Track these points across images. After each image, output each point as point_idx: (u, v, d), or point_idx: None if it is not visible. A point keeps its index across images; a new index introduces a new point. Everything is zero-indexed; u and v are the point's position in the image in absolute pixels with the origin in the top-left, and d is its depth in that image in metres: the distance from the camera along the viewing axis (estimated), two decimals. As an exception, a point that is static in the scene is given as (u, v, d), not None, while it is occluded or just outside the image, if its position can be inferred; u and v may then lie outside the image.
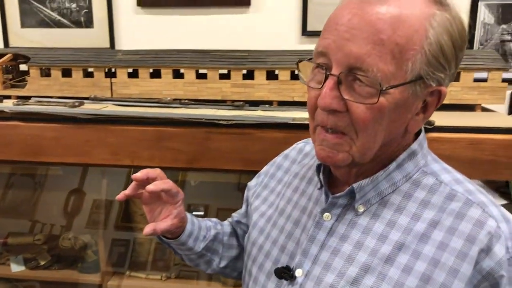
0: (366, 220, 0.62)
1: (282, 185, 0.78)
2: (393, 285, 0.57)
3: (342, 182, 0.67)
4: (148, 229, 0.72)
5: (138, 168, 1.16)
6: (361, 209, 0.63)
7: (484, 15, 1.48)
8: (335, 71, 0.57)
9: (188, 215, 0.81)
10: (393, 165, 0.63)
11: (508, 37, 1.49)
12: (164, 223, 0.73)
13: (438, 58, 0.57)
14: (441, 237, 0.57)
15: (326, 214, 0.65)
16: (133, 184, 0.73)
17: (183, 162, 1.10)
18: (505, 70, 1.16)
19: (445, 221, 0.58)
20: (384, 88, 0.55)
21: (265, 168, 0.85)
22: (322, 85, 0.57)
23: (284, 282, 0.66)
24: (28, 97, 1.30)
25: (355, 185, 0.63)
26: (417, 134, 0.66)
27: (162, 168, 1.12)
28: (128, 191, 0.72)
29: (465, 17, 1.50)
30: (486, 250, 0.55)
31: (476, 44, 1.49)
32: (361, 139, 0.58)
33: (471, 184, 0.62)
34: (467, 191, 0.61)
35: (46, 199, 1.61)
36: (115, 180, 1.46)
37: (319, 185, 0.69)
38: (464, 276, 0.55)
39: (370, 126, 0.57)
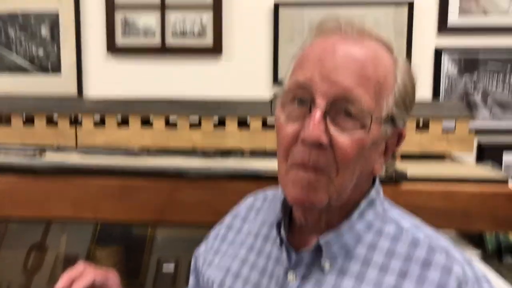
0: (333, 277, 0.59)
1: (234, 247, 0.73)
2: None
3: (304, 237, 0.64)
4: None
5: (101, 221, 1.10)
6: (327, 266, 0.60)
7: (448, 67, 1.54)
8: (320, 103, 0.55)
9: None
10: (355, 215, 0.61)
11: (472, 88, 1.54)
12: None
13: (404, 99, 0.59)
14: None
15: (291, 275, 0.61)
16: None
17: (150, 215, 1.04)
18: (471, 119, 1.18)
19: (413, 270, 0.57)
20: (374, 119, 0.55)
21: (213, 231, 0.80)
22: (305, 119, 0.55)
23: None
24: (-15, 146, 1.23)
25: (321, 241, 0.60)
26: (372, 181, 0.65)
27: (127, 221, 1.07)
28: None
29: (429, 69, 1.55)
30: None
31: (441, 95, 1.54)
32: (340, 177, 0.56)
33: (428, 229, 0.62)
34: (428, 236, 0.60)
35: (3, 257, 1.49)
36: (77, 235, 1.38)
37: (278, 242, 0.65)
38: None
39: (352, 162, 0.56)
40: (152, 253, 1.41)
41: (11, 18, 1.64)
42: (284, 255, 0.63)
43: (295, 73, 0.59)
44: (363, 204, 0.62)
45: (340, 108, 0.55)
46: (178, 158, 1.16)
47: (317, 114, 0.54)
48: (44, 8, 1.63)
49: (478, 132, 1.48)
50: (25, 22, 1.64)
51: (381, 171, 0.62)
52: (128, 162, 1.09)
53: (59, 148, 1.22)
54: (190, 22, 1.60)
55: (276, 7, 1.56)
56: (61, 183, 1.05)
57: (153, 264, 1.39)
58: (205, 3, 1.58)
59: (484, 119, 1.53)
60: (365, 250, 0.60)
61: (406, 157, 1.18)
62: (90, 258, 1.39)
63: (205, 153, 1.19)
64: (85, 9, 1.63)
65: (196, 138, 1.24)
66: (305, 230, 0.65)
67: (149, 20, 1.60)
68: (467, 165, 1.19)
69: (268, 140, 1.23)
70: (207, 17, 1.59)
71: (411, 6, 1.51)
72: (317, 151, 0.55)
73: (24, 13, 1.64)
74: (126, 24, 1.61)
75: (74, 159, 1.13)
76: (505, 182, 0.99)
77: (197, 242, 0.83)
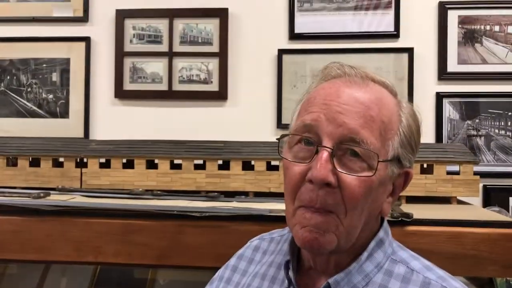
0: None
1: None
2: None
3: (313, 278, 0.62)
4: None
5: (103, 264, 1.08)
6: None
7: (449, 111, 1.56)
8: (327, 143, 0.56)
9: None
10: (364, 255, 0.60)
11: (474, 132, 1.55)
12: None
13: (409, 140, 0.60)
14: None
15: None
16: None
17: (152, 258, 1.02)
18: (476, 163, 1.19)
19: None
20: (380, 160, 0.56)
21: (218, 273, 0.78)
22: (312, 159, 0.56)
23: None
24: (-11, 188, 1.23)
25: (331, 281, 0.58)
26: (381, 222, 0.64)
27: (129, 265, 1.04)
28: None
29: (431, 114, 1.58)
30: None
31: (444, 139, 1.55)
32: (349, 218, 0.56)
33: (440, 270, 0.61)
34: (440, 277, 0.59)
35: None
36: (77, 277, 1.34)
37: (286, 284, 0.63)
38: None
39: (360, 203, 0.56)
40: None
41: (24, 64, 1.70)
42: None
43: (301, 116, 0.60)
44: (372, 244, 0.61)
45: (346, 149, 0.56)
46: (182, 199, 1.15)
47: (324, 154, 0.55)
48: (55, 55, 1.69)
49: (484, 175, 1.47)
50: (37, 68, 1.70)
51: (389, 211, 0.62)
52: (130, 203, 1.09)
53: (63, 189, 1.22)
54: (196, 69, 1.65)
55: (280, 55, 1.61)
56: (63, 224, 1.03)
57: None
58: (211, 51, 1.64)
59: (488, 163, 1.53)
60: None
61: (412, 200, 1.17)
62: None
63: (209, 195, 1.18)
64: (95, 56, 1.69)
65: (201, 180, 1.24)
66: (313, 272, 0.64)
67: (157, 66, 1.66)
68: (473, 208, 1.18)
69: (272, 182, 1.23)
70: (213, 64, 1.64)
71: (411, 53, 1.56)
72: (325, 191, 0.55)
73: (36, 60, 1.70)
74: (134, 70, 1.67)
75: (78, 200, 1.12)
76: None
77: (199, 286, 0.80)
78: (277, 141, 0.63)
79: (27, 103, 1.70)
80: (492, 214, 1.11)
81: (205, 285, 0.81)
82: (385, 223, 0.64)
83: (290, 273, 0.63)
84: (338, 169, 0.56)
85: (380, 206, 0.60)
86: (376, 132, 0.56)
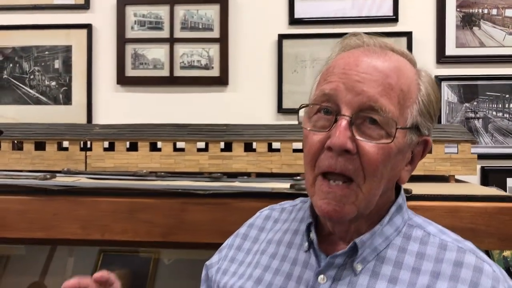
0: (365, 279, 0.60)
1: (253, 254, 0.72)
2: None
3: (332, 242, 0.64)
4: None
5: (108, 243, 1.10)
6: (359, 267, 0.60)
7: (448, 94, 1.58)
8: (345, 112, 0.57)
9: None
10: (386, 218, 0.62)
11: (472, 115, 1.58)
12: None
13: (428, 108, 0.61)
14: (446, 286, 0.57)
15: (321, 277, 0.61)
16: None
17: (158, 235, 1.04)
18: (473, 142, 1.21)
19: (445, 270, 0.58)
20: (399, 127, 0.57)
21: (227, 242, 0.80)
22: (331, 127, 0.58)
23: None
24: (-4, 171, 1.25)
25: (357, 241, 0.60)
26: (397, 190, 0.66)
27: (135, 242, 1.07)
28: None
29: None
30: None
31: (443, 122, 1.57)
32: (368, 184, 0.58)
33: (453, 234, 0.64)
34: (455, 240, 0.62)
35: (8, 282, 1.47)
36: (83, 260, 1.37)
37: (306, 247, 0.66)
38: None
39: (379, 170, 0.58)
40: None
41: (26, 52, 1.71)
42: (313, 258, 0.63)
43: (320, 85, 0.62)
44: (392, 208, 0.63)
45: (365, 118, 0.58)
46: (186, 180, 1.17)
47: (343, 122, 0.57)
48: (57, 42, 1.71)
49: (482, 157, 1.50)
50: (39, 56, 1.71)
51: (407, 179, 0.64)
52: (136, 183, 1.11)
53: (69, 172, 1.24)
54: (197, 55, 1.66)
55: (280, 40, 1.63)
56: (70, 203, 1.06)
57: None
58: (212, 37, 1.65)
59: (486, 145, 1.55)
60: (395, 252, 0.61)
61: (410, 179, 1.19)
62: None
63: (212, 176, 1.20)
64: (96, 43, 1.70)
65: (203, 162, 1.26)
66: (332, 237, 0.65)
67: (158, 53, 1.67)
68: (471, 185, 1.20)
69: (274, 163, 1.25)
70: (214, 50, 1.65)
71: (409, 37, 1.58)
72: (344, 157, 0.57)
73: (38, 47, 1.71)
74: (136, 57, 1.68)
75: (83, 182, 1.14)
76: (509, 200, 1.00)
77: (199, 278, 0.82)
78: (300, 107, 0.64)
79: (30, 91, 1.72)
80: (489, 189, 1.13)
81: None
82: (402, 191, 0.66)
83: (312, 235, 0.64)
84: (357, 137, 0.57)
85: (398, 174, 0.62)
86: (395, 100, 0.58)
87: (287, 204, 0.79)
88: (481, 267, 0.58)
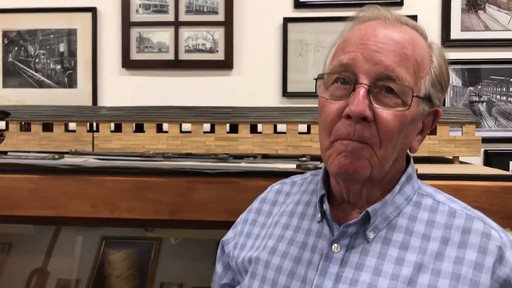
0: (378, 246, 0.62)
1: (267, 228, 0.74)
2: None
3: (344, 212, 0.66)
4: None
5: (117, 221, 1.12)
6: (371, 235, 0.62)
7: (452, 78, 1.58)
8: (363, 81, 0.59)
9: None
10: (397, 188, 0.64)
11: (476, 98, 1.58)
12: None
13: (440, 80, 0.63)
14: (455, 252, 0.59)
15: (335, 245, 0.63)
16: None
17: (165, 213, 1.06)
18: (477, 124, 1.22)
19: (454, 237, 0.60)
20: (414, 95, 0.59)
21: (241, 218, 0.81)
22: (349, 96, 0.59)
23: None
24: (5, 152, 1.27)
25: (370, 210, 0.62)
26: (407, 160, 0.68)
27: (142, 220, 1.09)
28: None
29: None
30: (499, 259, 0.58)
31: (447, 105, 1.58)
32: (383, 150, 0.60)
33: (462, 202, 0.66)
34: (464, 207, 0.64)
35: (15, 261, 1.50)
36: (89, 239, 1.39)
37: (319, 218, 0.67)
38: (484, 286, 0.56)
39: (395, 136, 0.60)
40: (155, 278, 1.42)
41: (31, 35, 1.72)
42: (327, 228, 0.65)
43: (337, 56, 0.63)
44: (403, 178, 0.65)
45: (382, 87, 0.60)
46: (193, 161, 1.19)
47: (361, 91, 0.59)
48: (62, 25, 1.71)
49: (485, 141, 1.50)
50: (44, 39, 1.72)
51: (417, 149, 0.66)
52: (144, 163, 1.12)
53: (77, 153, 1.25)
54: (202, 38, 1.66)
55: (285, 23, 1.63)
56: (80, 182, 1.07)
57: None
58: (217, 20, 1.65)
59: (490, 128, 1.56)
60: (406, 221, 0.63)
61: (415, 161, 1.21)
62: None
63: (219, 156, 1.22)
64: (101, 26, 1.71)
65: (210, 143, 1.28)
66: (345, 206, 0.67)
67: (163, 36, 1.67)
68: (475, 166, 1.22)
69: (280, 145, 1.27)
70: (219, 33, 1.65)
71: (415, 21, 1.57)
72: (361, 125, 0.59)
73: (43, 31, 1.71)
74: (141, 40, 1.68)
75: (91, 162, 1.16)
76: (513, 179, 1.02)
77: (210, 244, 0.83)
78: (318, 76, 0.65)
79: (36, 74, 1.72)
80: (492, 169, 1.14)
81: (216, 243, 0.85)
82: (412, 161, 0.69)
83: (325, 206, 0.66)
84: (374, 105, 0.59)
85: (410, 143, 0.64)
86: (410, 70, 0.60)
87: (297, 177, 0.80)
88: (489, 233, 0.60)
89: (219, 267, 0.81)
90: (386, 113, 0.59)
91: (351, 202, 0.67)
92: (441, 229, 0.62)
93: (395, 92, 0.59)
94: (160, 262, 1.44)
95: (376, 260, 0.61)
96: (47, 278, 1.51)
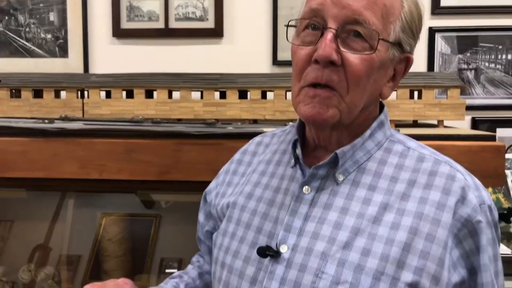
0: (347, 187, 0.64)
1: (246, 176, 0.77)
2: (384, 242, 0.59)
3: (316, 158, 0.68)
4: None
5: (106, 182, 1.14)
6: (340, 178, 0.65)
7: (441, 46, 1.59)
8: (331, 25, 0.60)
9: None
10: (367, 132, 0.66)
11: (465, 66, 1.59)
12: None
13: (410, 25, 0.63)
14: (420, 193, 0.61)
15: (306, 187, 0.65)
16: None
17: (154, 174, 1.08)
18: (462, 88, 1.23)
19: (420, 179, 0.62)
20: (381, 38, 0.59)
21: (223, 169, 0.84)
22: (318, 41, 0.60)
23: (265, 262, 0.64)
24: (-4, 118, 1.28)
25: (338, 152, 0.64)
26: (380, 108, 0.70)
27: (131, 181, 1.11)
28: None
29: (423, 47, 1.60)
30: (461, 200, 0.60)
31: (436, 71, 1.59)
32: (350, 95, 0.61)
33: (433, 149, 0.68)
34: (433, 153, 0.66)
35: (17, 226, 1.53)
36: (85, 205, 1.42)
37: (292, 163, 0.70)
38: (446, 224, 0.59)
39: (362, 81, 0.61)
40: (155, 254, 1.45)
41: (21, 5, 1.71)
42: (299, 172, 0.67)
43: (308, 3, 0.64)
44: (374, 124, 0.67)
45: (350, 31, 0.60)
46: (181, 125, 1.21)
47: (329, 35, 0.60)
48: (52, -6, 1.70)
49: (472, 108, 1.52)
50: (34, 8, 1.71)
51: (388, 95, 0.67)
52: (134, 127, 1.14)
53: (66, 118, 1.27)
54: (192, 6, 1.66)
55: (275, -10, 1.62)
56: (69, 144, 1.09)
57: (156, 264, 1.42)
58: (207, -12, 1.64)
59: (478, 96, 1.57)
60: (375, 164, 0.65)
61: (401, 126, 1.22)
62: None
63: (207, 122, 1.23)
64: (91, -5, 1.70)
65: (198, 109, 1.29)
66: (318, 151, 0.69)
67: (153, 4, 1.67)
68: (458, 129, 1.24)
69: (267, 110, 1.28)
70: (209, 1, 1.65)
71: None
72: (329, 69, 0.60)
73: (33, 0, 1.70)
74: (131, 9, 1.68)
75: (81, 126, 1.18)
76: (492, 138, 1.04)
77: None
78: (288, 23, 0.66)
79: (27, 43, 1.72)
80: (474, 131, 1.16)
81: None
82: (385, 109, 0.70)
83: (298, 151, 0.68)
84: (342, 49, 0.60)
85: (380, 89, 0.65)
86: (378, 14, 0.60)
87: (278, 130, 0.82)
88: (454, 175, 0.62)
89: (201, 216, 0.85)
90: (353, 57, 0.60)
91: (322, 146, 0.69)
92: (409, 172, 0.63)
93: (363, 36, 0.60)
94: (159, 239, 1.47)
95: (344, 200, 0.63)
96: (48, 254, 1.54)
